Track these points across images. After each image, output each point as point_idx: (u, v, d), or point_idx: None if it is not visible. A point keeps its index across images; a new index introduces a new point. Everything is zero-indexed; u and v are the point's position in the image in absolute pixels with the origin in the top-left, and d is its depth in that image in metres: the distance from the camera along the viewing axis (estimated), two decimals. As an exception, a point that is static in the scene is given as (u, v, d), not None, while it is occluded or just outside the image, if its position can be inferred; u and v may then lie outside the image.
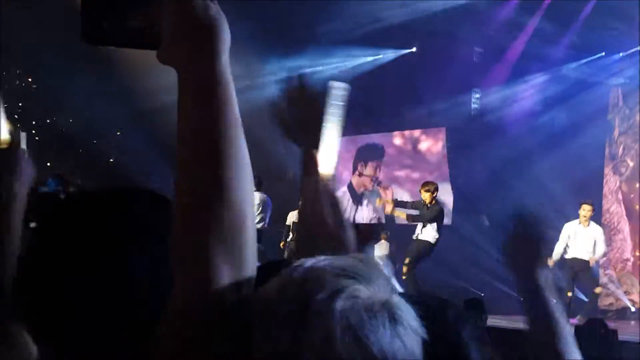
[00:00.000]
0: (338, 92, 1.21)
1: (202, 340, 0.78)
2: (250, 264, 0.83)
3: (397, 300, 0.71)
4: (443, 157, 14.83)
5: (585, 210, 8.71)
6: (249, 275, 0.83)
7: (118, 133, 12.91)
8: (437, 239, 8.14)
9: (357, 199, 14.78)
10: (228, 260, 0.80)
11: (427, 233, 8.13)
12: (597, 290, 8.81)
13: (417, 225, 8.29)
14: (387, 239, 12.10)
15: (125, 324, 0.91)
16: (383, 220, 9.76)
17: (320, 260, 0.74)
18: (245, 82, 11.66)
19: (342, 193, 14.86)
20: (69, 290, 0.92)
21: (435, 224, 8.09)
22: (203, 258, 0.81)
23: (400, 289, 0.67)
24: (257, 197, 8.96)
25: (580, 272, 8.60)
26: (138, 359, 0.85)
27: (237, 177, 0.82)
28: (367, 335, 0.65)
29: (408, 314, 0.71)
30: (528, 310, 1.19)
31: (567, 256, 8.75)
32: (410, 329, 0.69)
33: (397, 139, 15.12)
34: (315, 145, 1.32)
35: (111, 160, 12.89)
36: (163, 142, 9.27)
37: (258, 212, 9.09)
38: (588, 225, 8.74)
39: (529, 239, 1.22)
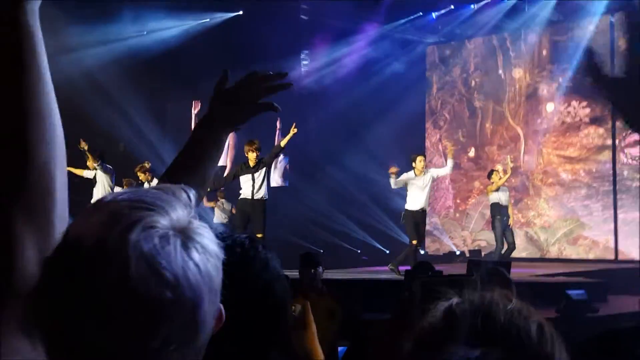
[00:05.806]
0: None
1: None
2: (58, 227, 0.77)
3: (195, 226, 0.70)
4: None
5: (419, 161, 9.16)
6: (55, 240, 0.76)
7: None
8: (267, 196, 8.28)
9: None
10: (30, 222, 0.75)
11: (260, 192, 8.18)
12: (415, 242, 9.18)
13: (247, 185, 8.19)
14: (224, 197, 11.93)
15: None
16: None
17: (119, 194, 0.70)
18: (58, 49, 10.82)
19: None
20: None
21: (265, 182, 8.19)
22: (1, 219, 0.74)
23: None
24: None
25: (421, 224, 9.06)
26: None
27: (42, 136, 0.76)
28: (160, 261, 0.64)
29: (205, 239, 0.70)
30: None
31: (408, 207, 9.15)
32: (207, 252, 0.68)
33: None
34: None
35: None
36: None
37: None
38: (422, 174, 9.17)
39: None
